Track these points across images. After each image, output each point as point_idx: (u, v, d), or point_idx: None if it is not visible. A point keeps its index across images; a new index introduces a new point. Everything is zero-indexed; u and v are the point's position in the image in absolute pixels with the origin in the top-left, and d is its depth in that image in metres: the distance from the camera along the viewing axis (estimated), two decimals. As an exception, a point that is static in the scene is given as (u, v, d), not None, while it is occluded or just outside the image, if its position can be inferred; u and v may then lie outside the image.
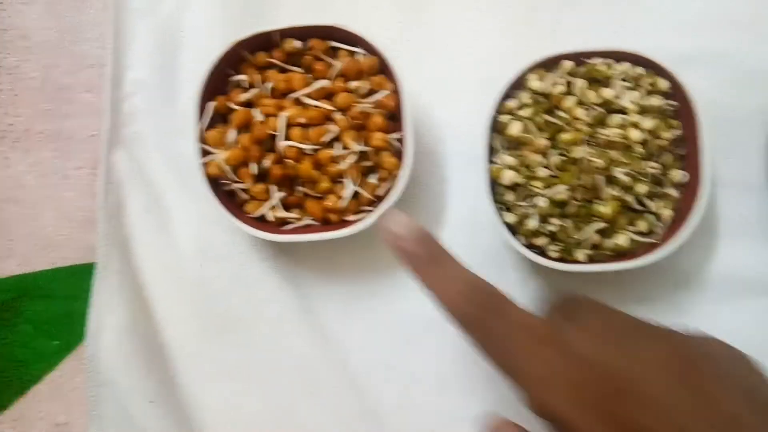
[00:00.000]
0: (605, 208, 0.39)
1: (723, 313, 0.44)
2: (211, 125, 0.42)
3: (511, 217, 0.40)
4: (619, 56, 0.41)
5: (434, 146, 0.46)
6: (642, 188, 0.39)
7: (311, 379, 0.45)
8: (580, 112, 0.40)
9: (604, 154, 0.39)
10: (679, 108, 0.41)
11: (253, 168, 0.41)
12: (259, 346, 0.46)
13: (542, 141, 0.40)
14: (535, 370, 0.26)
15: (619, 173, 0.39)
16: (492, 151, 0.41)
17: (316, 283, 0.46)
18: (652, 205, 0.40)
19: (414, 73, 0.45)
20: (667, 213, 0.40)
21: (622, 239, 0.40)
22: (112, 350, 0.47)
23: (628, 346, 0.27)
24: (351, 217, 0.42)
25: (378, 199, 0.42)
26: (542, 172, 0.39)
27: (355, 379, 0.45)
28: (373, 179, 0.42)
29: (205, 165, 0.41)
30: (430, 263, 0.28)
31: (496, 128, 0.41)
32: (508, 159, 0.40)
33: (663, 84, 0.41)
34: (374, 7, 0.47)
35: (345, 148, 0.41)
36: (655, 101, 0.40)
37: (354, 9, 0.48)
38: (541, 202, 0.39)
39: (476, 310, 0.27)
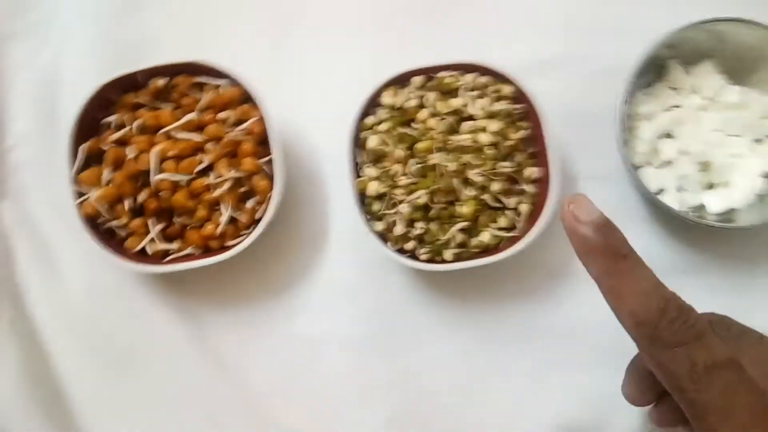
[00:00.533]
0: (464, 208, 0.42)
1: (595, 301, 0.46)
2: (87, 167, 0.43)
3: (380, 226, 0.43)
4: (464, 68, 0.44)
5: (313, 168, 0.48)
6: (496, 186, 0.42)
7: (213, 408, 0.46)
8: (433, 123, 0.43)
9: (458, 158, 0.42)
10: (526, 110, 0.44)
11: (128, 203, 0.42)
12: (157, 381, 0.46)
13: (400, 152, 0.42)
14: (715, 395, 0.22)
15: (473, 175, 0.42)
16: (358, 166, 0.44)
17: (209, 312, 0.47)
18: (510, 201, 0.43)
19: (287, 99, 0.48)
20: (525, 208, 0.43)
21: (485, 236, 0.42)
22: (8, 399, 0.46)
23: None
24: (231, 242, 0.43)
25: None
26: (403, 181, 0.42)
27: (257, 402, 0.46)
28: (250, 204, 0.44)
29: (80, 205, 0.42)
30: (611, 256, 0.24)
31: (359, 144, 0.44)
32: (371, 171, 0.43)
33: (507, 90, 0.44)
34: (244, 40, 0.50)
35: (219, 176, 0.43)
36: (501, 106, 0.43)
37: (226, 41, 0.50)
38: (404, 208, 0.41)
39: (656, 316, 0.23)
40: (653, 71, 0.48)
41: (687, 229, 0.47)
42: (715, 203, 0.46)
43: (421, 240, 0.43)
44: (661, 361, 0.23)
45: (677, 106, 0.48)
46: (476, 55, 0.47)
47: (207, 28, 0.50)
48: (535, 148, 0.44)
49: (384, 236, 0.43)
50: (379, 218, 0.43)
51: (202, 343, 0.46)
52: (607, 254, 0.24)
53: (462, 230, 0.42)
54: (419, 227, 0.42)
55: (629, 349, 0.46)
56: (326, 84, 0.48)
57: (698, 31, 0.45)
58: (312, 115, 0.48)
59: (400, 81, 0.44)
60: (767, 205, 0.46)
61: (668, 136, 0.48)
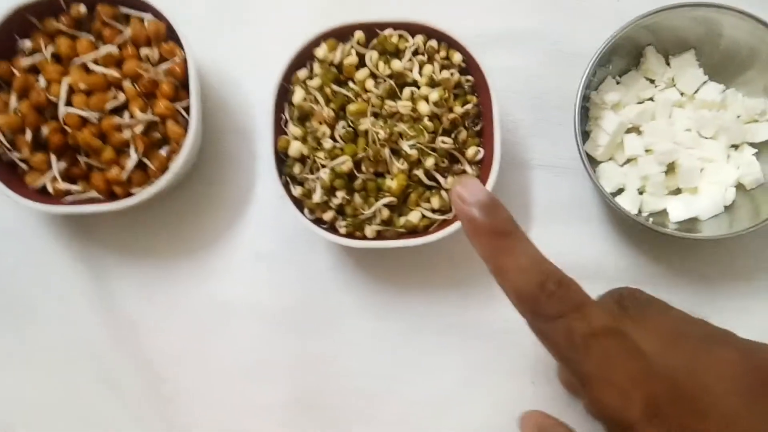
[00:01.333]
0: (393, 183, 0.38)
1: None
2: (-1, 92, 0.40)
3: (298, 190, 0.39)
4: (413, 28, 0.40)
5: (244, 122, 0.44)
6: (430, 162, 0.38)
7: (108, 367, 0.43)
8: (370, 84, 0.39)
9: (392, 126, 0.38)
10: (477, 84, 0.40)
11: (30, 136, 0.39)
12: (46, 330, 0.43)
13: (329, 111, 0.38)
14: (593, 364, 0.23)
15: (407, 146, 0.38)
16: (284, 123, 0.40)
17: (114, 264, 0.43)
18: (446, 181, 0.39)
19: (221, 44, 0.44)
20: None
21: (414, 216, 0.39)
22: None
23: (697, 351, 0.25)
24: (138, 190, 0.40)
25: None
26: (328, 144, 0.38)
27: (156, 366, 0.43)
28: (163, 151, 0.40)
29: (-22, 132, 0.39)
30: (496, 235, 0.24)
31: (288, 99, 0.40)
32: (296, 130, 0.39)
33: (457, 57, 0.40)
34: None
35: (131, 117, 0.39)
36: (447, 75, 0.39)
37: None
38: (325, 174, 0.38)
39: (536, 290, 0.23)
40: (630, 57, 0.43)
41: (646, 234, 0.43)
42: (677, 210, 0.42)
43: (341, 211, 0.39)
44: (544, 334, 0.24)
45: (650, 99, 0.44)
46: (432, 16, 0.43)
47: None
48: (481, 126, 0.40)
49: (302, 203, 0.39)
50: (301, 182, 0.39)
51: (103, 296, 0.43)
52: (492, 234, 0.24)
53: (389, 207, 0.38)
54: (340, 197, 0.38)
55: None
56: (265, 30, 0.44)
57: (682, 18, 0.41)
58: (248, 63, 0.44)
59: (341, 34, 0.40)
60: (734, 217, 0.41)
61: (636, 130, 0.43)
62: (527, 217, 0.44)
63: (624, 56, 0.43)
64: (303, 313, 0.43)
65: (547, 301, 0.23)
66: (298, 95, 0.39)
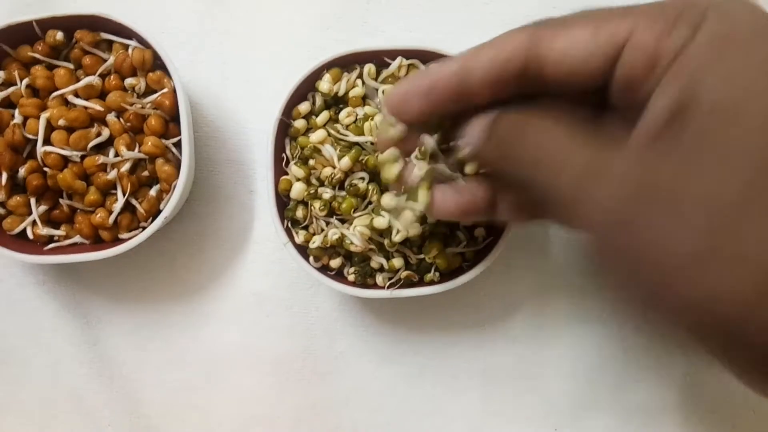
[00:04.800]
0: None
1: (557, 343, 0.40)
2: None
3: (302, 236, 0.36)
4: (424, 56, 0.36)
5: (239, 153, 0.41)
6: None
7: (94, 418, 0.40)
8: (374, 118, 0.35)
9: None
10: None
11: (5, 177, 0.35)
12: (34, 382, 0.40)
13: (330, 152, 0.35)
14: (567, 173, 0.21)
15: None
16: (286, 161, 0.36)
17: (102, 309, 0.40)
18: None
19: (216, 71, 0.41)
20: (479, 232, 0.36)
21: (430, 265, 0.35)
22: None
23: None
24: (126, 235, 0.37)
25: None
26: (326, 194, 0.34)
27: (145, 419, 0.40)
28: (153, 191, 0.37)
29: (-51, 174, 0.36)
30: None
31: (290, 134, 0.36)
32: (298, 171, 0.35)
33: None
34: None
35: (117, 155, 0.36)
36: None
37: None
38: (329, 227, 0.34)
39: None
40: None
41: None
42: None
43: (349, 256, 0.36)
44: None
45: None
46: (443, 38, 0.40)
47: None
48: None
49: (306, 248, 0.36)
50: (306, 226, 0.36)
51: (90, 344, 0.40)
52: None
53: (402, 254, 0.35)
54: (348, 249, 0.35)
55: (591, 402, 0.40)
56: (261, 54, 0.40)
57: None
58: (242, 89, 0.40)
59: (347, 63, 0.36)
60: None
61: None
62: (548, 253, 0.41)
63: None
64: (306, 360, 0.40)
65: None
66: (299, 133, 0.35)
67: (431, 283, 0.35)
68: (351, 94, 0.36)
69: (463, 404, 0.40)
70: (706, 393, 0.39)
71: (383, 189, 0.34)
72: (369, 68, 0.36)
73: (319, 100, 0.36)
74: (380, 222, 0.33)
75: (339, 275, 0.36)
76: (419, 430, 0.40)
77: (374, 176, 0.35)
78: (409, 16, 0.41)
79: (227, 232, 0.40)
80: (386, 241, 0.34)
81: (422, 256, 0.35)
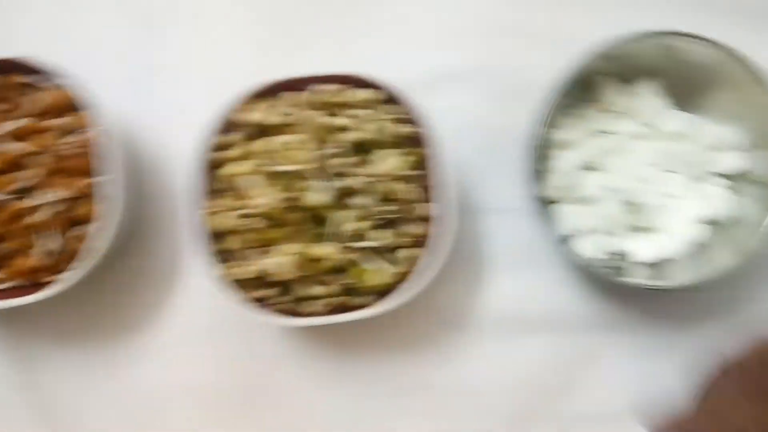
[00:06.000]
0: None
1: (494, 356, 0.40)
2: None
3: (232, 267, 0.36)
4: (347, 81, 0.36)
5: (171, 186, 0.41)
6: (378, 234, 0.35)
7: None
8: (302, 149, 0.35)
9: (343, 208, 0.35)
10: (420, 134, 0.37)
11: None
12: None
13: (262, 183, 0.35)
14: None
15: (352, 225, 0.35)
16: (213, 193, 0.36)
17: (42, 352, 0.40)
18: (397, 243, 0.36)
19: (140, 106, 0.41)
20: (412, 253, 0.36)
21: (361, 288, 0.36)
22: None
23: None
24: (62, 275, 0.37)
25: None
26: (254, 223, 0.35)
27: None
28: (80, 231, 0.37)
29: None
30: None
31: (215, 166, 0.36)
32: (223, 203, 0.35)
33: (398, 110, 0.36)
34: (103, 25, 0.42)
35: (44, 198, 0.36)
36: (394, 129, 0.36)
37: (84, 29, 0.42)
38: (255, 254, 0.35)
39: None
40: (580, 88, 0.40)
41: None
42: (642, 251, 0.39)
43: (280, 287, 0.36)
44: None
45: (607, 132, 0.41)
46: (371, 61, 0.39)
47: (60, 19, 0.42)
48: (427, 179, 0.37)
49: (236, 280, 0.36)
50: (236, 258, 0.36)
51: (28, 387, 0.40)
52: None
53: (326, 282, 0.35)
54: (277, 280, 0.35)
55: (529, 413, 0.40)
56: (190, 90, 0.40)
57: (642, 45, 0.37)
58: (178, 123, 0.40)
59: (270, 93, 0.36)
60: (711, 255, 0.38)
61: (594, 167, 0.40)
62: (484, 264, 0.41)
63: (579, 88, 0.40)
64: (248, 393, 0.40)
65: None
66: (226, 165, 0.35)
67: (363, 306, 0.36)
68: (276, 122, 0.36)
69: (408, 424, 0.40)
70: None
71: (313, 219, 0.35)
72: (294, 96, 0.36)
73: (247, 130, 0.36)
74: (317, 250, 0.34)
75: (271, 305, 0.36)
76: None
77: (301, 205, 0.35)
78: (343, 42, 0.41)
79: (164, 265, 0.40)
80: (315, 269, 0.35)
81: (352, 281, 0.35)
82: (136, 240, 0.40)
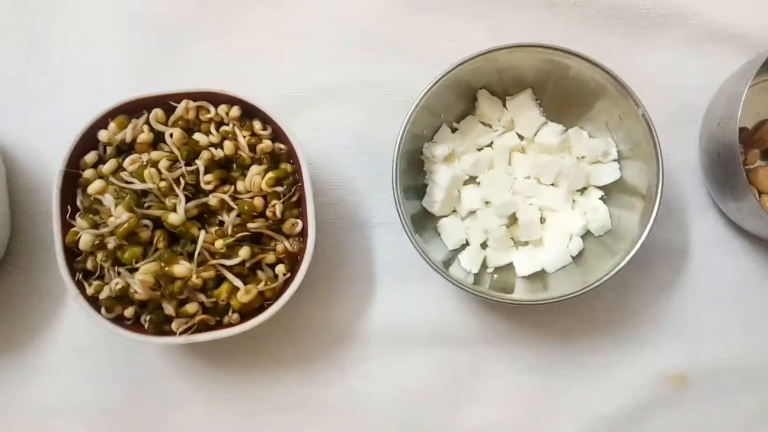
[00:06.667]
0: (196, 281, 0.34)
1: (387, 371, 0.40)
2: None
3: (93, 287, 0.35)
4: (211, 98, 0.36)
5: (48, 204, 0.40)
6: (244, 253, 0.35)
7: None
8: (164, 168, 0.35)
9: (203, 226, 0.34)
10: (285, 150, 0.37)
11: None
12: None
13: (119, 203, 0.34)
14: None
15: (214, 244, 0.34)
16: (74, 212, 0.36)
17: None
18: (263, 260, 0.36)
19: (31, 118, 0.41)
20: (280, 269, 0.36)
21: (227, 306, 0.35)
22: None
23: None
24: None
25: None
26: (111, 243, 0.34)
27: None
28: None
29: None
30: None
31: (80, 184, 0.36)
32: (82, 222, 0.35)
33: (257, 126, 0.36)
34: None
35: None
36: (258, 146, 0.36)
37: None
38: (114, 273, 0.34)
39: None
40: (466, 101, 0.40)
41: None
42: (523, 264, 0.39)
43: (144, 304, 0.35)
44: None
45: (486, 146, 0.41)
46: (247, 79, 0.40)
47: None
48: (295, 194, 0.37)
49: (98, 300, 0.35)
50: (100, 276, 0.36)
51: None
52: None
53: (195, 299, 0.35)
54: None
55: (417, 427, 0.39)
56: (77, 103, 0.40)
57: (522, 56, 0.37)
58: (59, 140, 0.39)
59: (133, 110, 0.36)
60: (586, 266, 0.38)
61: (474, 181, 0.40)
62: (370, 279, 0.41)
63: (461, 101, 0.40)
64: (131, 411, 0.39)
65: None
66: (91, 184, 0.35)
67: (230, 324, 0.35)
68: (138, 140, 0.35)
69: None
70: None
71: (172, 237, 0.34)
72: (156, 113, 0.36)
73: (109, 149, 0.36)
74: (174, 269, 0.33)
75: (137, 324, 0.36)
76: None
77: (160, 223, 0.34)
78: (221, 60, 0.41)
79: (46, 282, 0.40)
80: (175, 287, 0.34)
81: (215, 299, 0.35)
82: (22, 252, 0.40)
